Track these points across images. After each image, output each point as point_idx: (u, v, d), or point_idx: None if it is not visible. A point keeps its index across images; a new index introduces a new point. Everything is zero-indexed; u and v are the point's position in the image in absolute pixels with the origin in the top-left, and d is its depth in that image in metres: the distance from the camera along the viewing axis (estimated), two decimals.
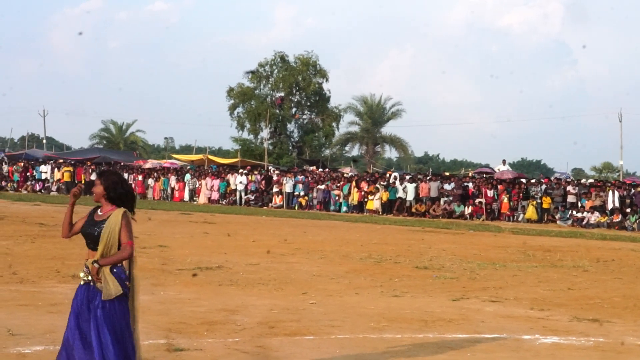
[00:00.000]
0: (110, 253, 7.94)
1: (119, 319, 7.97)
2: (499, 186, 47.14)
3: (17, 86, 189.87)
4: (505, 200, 46.13)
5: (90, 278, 7.95)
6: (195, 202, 55.74)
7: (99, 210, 8.16)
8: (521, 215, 45.34)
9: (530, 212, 44.75)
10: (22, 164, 65.94)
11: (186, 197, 57.22)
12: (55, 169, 62.92)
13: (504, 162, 56.85)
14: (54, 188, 61.90)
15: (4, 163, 66.91)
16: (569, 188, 45.53)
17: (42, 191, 62.18)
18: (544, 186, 46.26)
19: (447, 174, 55.10)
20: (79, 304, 7.97)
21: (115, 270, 7.96)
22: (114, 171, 8.61)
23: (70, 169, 61.39)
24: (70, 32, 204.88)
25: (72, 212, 8.31)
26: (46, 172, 63.50)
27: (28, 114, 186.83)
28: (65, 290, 14.96)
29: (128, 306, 8.11)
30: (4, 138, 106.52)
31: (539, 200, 45.25)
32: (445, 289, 16.94)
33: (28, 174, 64.66)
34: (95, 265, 7.85)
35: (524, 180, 50.37)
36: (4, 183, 64.39)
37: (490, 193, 46.70)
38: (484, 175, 52.73)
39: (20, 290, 14.79)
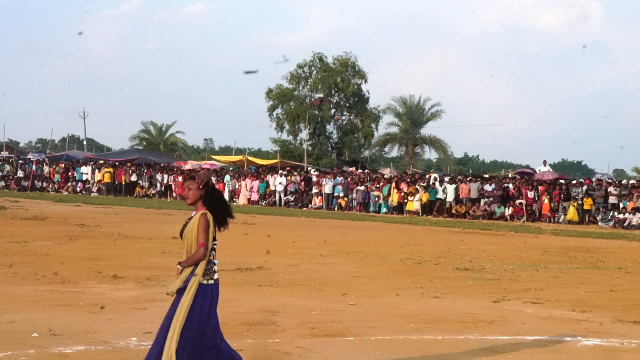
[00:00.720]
0: (191, 252, 8.28)
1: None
2: (540, 187, 46.87)
3: (58, 88, 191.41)
4: (546, 201, 45.86)
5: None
6: (234, 203, 55.86)
7: (193, 212, 8.46)
8: (562, 217, 45.06)
9: (572, 213, 44.47)
10: (63, 165, 66.43)
11: (226, 198, 57.28)
12: (96, 170, 63.31)
13: (544, 163, 56.54)
14: (94, 189, 62.31)
15: (45, 164, 67.42)
16: (611, 189, 45.19)
17: (83, 192, 62.61)
18: (585, 187, 45.90)
19: (486, 175, 54.81)
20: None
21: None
22: (208, 175, 8.76)
23: (111, 170, 61.77)
24: (109, 34, 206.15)
25: None
26: (87, 173, 63.93)
27: (68, 116, 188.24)
28: (106, 290, 15.07)
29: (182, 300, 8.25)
30: (45, 139, 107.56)
31: (580, 202, 44.98)
32: (485, 290, 16.86)
33: (69, 175, 65.13)
34: (178, 267, 8.36)
35: (564, 182, 50.04)
36: (45, 184, 64.88)
37: (530, 194, 46.46)
38: (525, 177, 52.41)
39: (61, 291, 14.89)
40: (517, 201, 46.64)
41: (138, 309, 13.14)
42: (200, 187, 8.39)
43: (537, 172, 54.79)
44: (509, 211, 46.30)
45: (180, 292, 8.27)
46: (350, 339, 11.53)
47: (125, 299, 14.20)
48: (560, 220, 44.95)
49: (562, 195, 46.09)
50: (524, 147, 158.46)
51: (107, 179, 61.41)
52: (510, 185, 48.42)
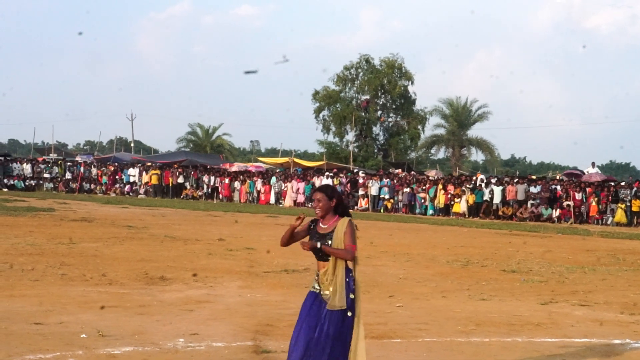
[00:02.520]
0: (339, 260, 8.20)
1: (343, 329, 8.15)
2: (588, 189, 46.52)
3: (106, 90, 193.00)
4: (594, 203, 45.51)
5: (319, 287, 8.33)
6: (281, 205, 55.98)
7: (321, 223, 8.41)
8: (610, 219, 44.73)
9: (620, 215, 44.12)
10: (111, 167, 66.92)
11: (272, 200, 57.51)
12: (143, 172, 63.72)
13: (593, 164, 56.07)
14: (141, 191, 62.75)
15: (93, 166, 67.95)
16: None
17: (130, 194, 63.08)
18: (634, 189, 45.47)
19: (533, 177, 54.45)
20: (308, 309, 8.28)
21: (347, 279, 8.19)
22: (332, 186, 8.97)
23: (158, 172, 62.12)
24: (157, 37, 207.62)
25: (293, 231, 8.49)
26: (134, 175, 64.41)
27: (116, 118, 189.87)
28: (153, 292, 15.14)
29: (352, 320, 8.21)
30: (93, 142, 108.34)
31: (628, 204, 44.60)
32: (533, 292, 16.75)
33: (116, 177, 65.60)
34: (318, 244, 8.19)
35: (613, 183, 49.58)
36: (93, 186, 65.40)
37: (578, 196, 46.12)
38: (573, 179, 52.02)
39: (109, 292, 14.97)
40: (565, 203, 46.33)
41: (185, 311, 13.18)
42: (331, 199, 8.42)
43: (585, 173, 54.33)
44: (556, 213, 46.00)
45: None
46: (397, 341, 11.50)
47: (172, 300, 14.24)
48: (609, 222, 44.62)
49: (610, 197, 45.70)
50: (571, 148, 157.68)
51: (154, 180, 61.79)
52: (558, 187, 48.10)
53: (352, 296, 8.16)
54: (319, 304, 8.20)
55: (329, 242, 8.18)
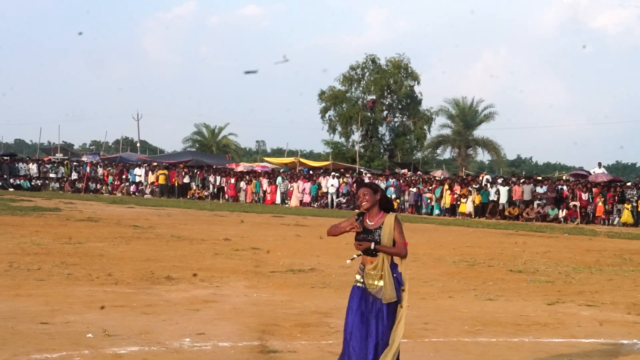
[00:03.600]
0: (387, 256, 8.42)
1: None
2: (594, 189, 46.45)
3: (112, 90, 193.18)
4: (600, 203, 45.43)
5: (362, 280, 8.48)
6: (287, 205, 55.98)
7: (367, 219, 8.59)
8: (616, 219, 44.66)
9: (626, 215, 44.06)
10: (117, 167, 66.98)
11: (278, 200, 57.51)
12: (149, 172, 63.77)
13: (599, 164, 55.93)
14: (147, 191, 62.78)
15: (99, 166, 68.00)
16: None
17: (136, 194, 63.12)
18: None
19: (539, 177, 54.39)
20: (358, 303, 8.46)
21: (395, 275, 8.41)
22: (375, 182, 9.18)
23: (166, 172, 62.16)
24: (163, 37, 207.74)
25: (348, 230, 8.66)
26: (140, 175, 64.46)
27: (122, 118, 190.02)
28: (159, 291, 15.13)
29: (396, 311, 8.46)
30: (99, 142, 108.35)
31: (634, 204, 44.51)
32: (540, 292, 16.73)
33: (122, 177, 65.66)
34: (372, 245, 8.38)
35: (619, 184, 49.47)
36: (99, 186, 65.46)
37: (585, 196, 46.04)
38: (579, 179, 51.93)
39: (115, 292, 14.97)
40: (571, 203, 46.27)
41: (191, 310, 13.17)
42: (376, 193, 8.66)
43: (592, 174, 54.23)
44: (562, 213, 45.94)
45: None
46: (404, 340, 11.43)
47: (178, 300, 14.24)
48: (615, 222, 44.54)
49: (616, 198, 45.62)
50: (577, 149, 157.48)
51: (161, 180, 61.81)
52: (564, 187, 48.03)
53: (402, 289, 8.42)
54: (366, 297, 8.41)
55: (377, 238, 8.38)
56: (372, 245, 8.32)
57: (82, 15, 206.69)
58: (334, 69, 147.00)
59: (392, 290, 8.28)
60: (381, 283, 8.31)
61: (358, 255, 8.56)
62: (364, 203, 8.54)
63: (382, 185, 52.62)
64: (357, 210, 8.92)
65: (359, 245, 8.40)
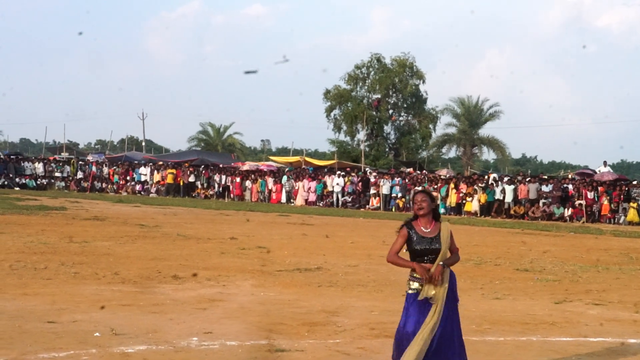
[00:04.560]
0: (445, 256, 8.73)
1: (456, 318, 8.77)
2: (600, 188, 46.37)
3: (117, 89, 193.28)
4: (606, 202, 45.37)
5: (420, 288, 8.62)
6: (292, 204, 55.98)
7: (421, 226, 8.81)
8: (622, 218, 44.58)
9: (632, 214, 43.99)
10: (123, 166, 67.02)
11: (283, 199, 57.50)
12: (155, 171, 63.79)
13: (604, 163, 55.89)
14: (153, 190, 62.81)
15: (104, 165, 68.05)
16: None
17: (142, 193, 63.13)
18: None
19: (545, 176, 54.34)
20: (418, 307, 8.61)
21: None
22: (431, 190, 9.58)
23: (174, 171, 62.17)
24: (167, 36, 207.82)
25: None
26: (145, 175, 64.47)
27: (127, 117, 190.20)
28: (166, 290, 15.14)
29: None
30: (104, 141, 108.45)
31: None
32: (547, 291, 16.71)
33: (128, 176, 65.68)
34: (441, 265, 8.61)
35: (625, 182, 49.39)
36: (104, 185, 65.50)
37: (590, 195, 45.98)
38: (584, 178, 51.87)
39: (122, 290, 14.98)
40: (577, 202, 46.21)
41: (198, 309, 13.17)
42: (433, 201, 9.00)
43: (597, 172, 54.18)
44: (568, 212, 45.88)
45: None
46: None
47: (185, 299, 14.24)
48: (621, 221, 44.46)
49: (622, 196, 45.56)
50: (582, 147, 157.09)
51: (169, 179, 61.81)
52: (570, 186, 47.96)
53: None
54: (424, 302, 8.56)
55: (438, 246, 8.63)
56: (443, 266, 8.61)
57: (86, 15, 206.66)
58: (338, 68, 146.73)
59: (444, 291, 8.55)
60: (433, 292, 8.52)
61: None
62: (421, 210, 8.78)
63: (388, 184, 52.67)
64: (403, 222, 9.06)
65: (435, 278, 8.55)
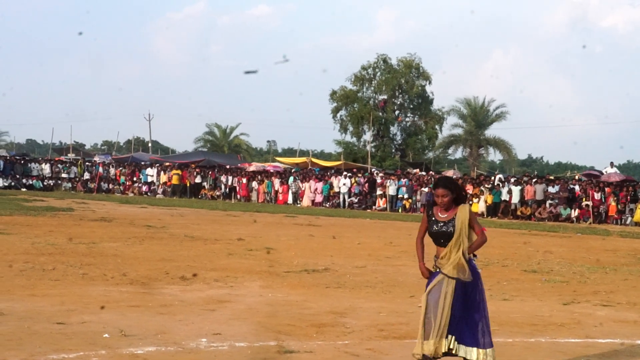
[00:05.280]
0: (463, 242, 8.99)
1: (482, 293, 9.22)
2: (606, 189, 46.32)
3: (123, 90, 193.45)
4: (613, 203, 45.32)
5: (438, 269, 9.12)
6: (299, 205, 55.99)
7: (439, 212, 9.11)
8: (629, 219, 44.53)
9: (639, 215, 43.90)
10: (129, 167, 67.10)
11: (290, 199, 57.51)
12: (161, 172, 63.84)
13: (611, 164, 55.83)
14: (159, 191, 62.88)
15: (111, 166, 68.14)
16: None
17: (148, 194, 63.21)
18: None
19: (551, 177, 54.25)
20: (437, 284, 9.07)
21: (471, 264, 9.09)
22: (451, 178, 9.51)
23: (179, 172, 62.20)
24: (174, 37, 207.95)
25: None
26: (152, 175, 64.56)
27: (134, 118, 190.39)
28: (174, 291, 15.14)
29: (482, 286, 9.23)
30: (111, 142, 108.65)
31: None
32: (555, 292, 16.69)
33: (135, 177, 65.75)
34: (468, 257, 9.05)
35: (631, 183, 49.32)
36: (111, 186, 65.59)
37: (597, 196, 45.93)
38: (591, 178, 51.83)
39: (130, 291, 14.98)
40: (584, 203, 46.15)
41: (207, 310, 13.17)
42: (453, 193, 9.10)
43: (604, 173, 54.13)
44: (575, 213, 45.83)
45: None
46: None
47: (194, 300, 14.24)
48: (628, 222, 44.43)
49: (629, 197, 45.51)
50: (589, 148, 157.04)
51: (175, 180, 61.83)
52: (577, 187, 47.92)
53: (479, 270, 9.25)
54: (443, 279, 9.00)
55: (448, 229, 8.95)
56: (472, 255, 9.12)
57: (90, 15, 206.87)
58: (344, 69, 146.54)
59: (468, 273, 8.97)
60: (452, 269, 8.92)
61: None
62: (442, 205, 9.05)
63: (394, 185, 52.66)
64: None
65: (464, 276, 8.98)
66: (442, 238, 8.99)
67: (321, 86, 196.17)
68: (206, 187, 62.26)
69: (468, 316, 8.95)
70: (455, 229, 8.90)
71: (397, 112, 78.92)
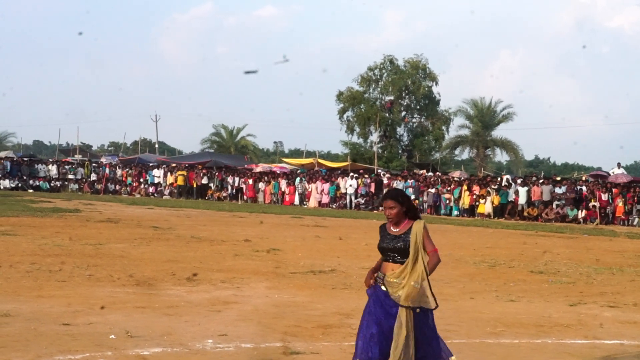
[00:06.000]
0: (417, 260, 8.10)
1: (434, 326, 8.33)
2: (614, 190, 46.24)
3: (130, 91, 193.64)
4: (620, 204, 45.24)
5: (385, 289, 8.24)
6: (305, 206, 55.97)
7: (391, 227, 8.40)
8: (636, 219, 44.44)
9: None
10: (136, 168, 67.14)
11: (296, 200, 57.48)
12: (168, 173, 63.87)
13: (618, 165, 55.73)
14: (166, 192, 62.84)
15: (118, 167, 68.21)
16: None
17: (155, 195, 63.21)
18: None
19: (558, 178, 54.16)
20: (379, 306, 8.25)
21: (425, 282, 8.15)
22: (401, 190, 8.93)
23: (184, 172, 62.22)
24: (180, 38, 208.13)
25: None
26: (159, 177, 64.58)
27: (140, 119, 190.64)
28: (180, 292, 15.16)
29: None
30: (118, 143, 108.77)
31: None
32: (561, 293, 16.68)
33: (141, 178, 65.80)
34: (417, 286, 8.05)
35: (639, 184, 49.20)
36: (118, 187, 65.64)
37: (604, 197, 45.85)
38: (598, 179, 51.75)
39: (136, 293, 15.00)
40: (591, 204, 46.06)
41: (213, 311, 13.18)
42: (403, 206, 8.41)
43: (611, 174, 54.04)
44: (582, 214, 45.75)
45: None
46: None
47: (200, 301, 14.26)
48: (635, 223, 44.32)
49: (636, 198, 45.41)
50: (596, 149, 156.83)
51: (180, 181, 61.89)
52: (584, 188, 47.83)
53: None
54: (388, 302, 8.17)
55: (400, 244, 8.19)
56: (418, 286, 8.03)
57: (91, 15, 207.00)
58: (349, 69, 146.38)
59: (432, 300, 8.18)
60: (404, 291, 8.05)
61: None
62: (390, 218, 8.39)
63: (401, 185, 52.58)
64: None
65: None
66: (393, 253, 8.24)
67: (328, 87, 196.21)
68: (213, 188, 62.26)
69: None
70: (408, 244, 8.14)
71: (403, 113, 78.84)
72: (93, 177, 67.14)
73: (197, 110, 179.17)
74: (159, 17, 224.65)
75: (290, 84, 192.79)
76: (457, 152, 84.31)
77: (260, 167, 68.02)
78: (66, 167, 68.24)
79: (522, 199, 47.98)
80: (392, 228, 8.38)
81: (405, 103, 79.03)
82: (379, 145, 76.52)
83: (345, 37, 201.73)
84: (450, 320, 13.05)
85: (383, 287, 8.25)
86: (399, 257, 8.20)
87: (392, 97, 77.83)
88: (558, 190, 47.56)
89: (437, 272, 18.76)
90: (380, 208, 52.26)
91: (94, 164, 69.80)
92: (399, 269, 8.15)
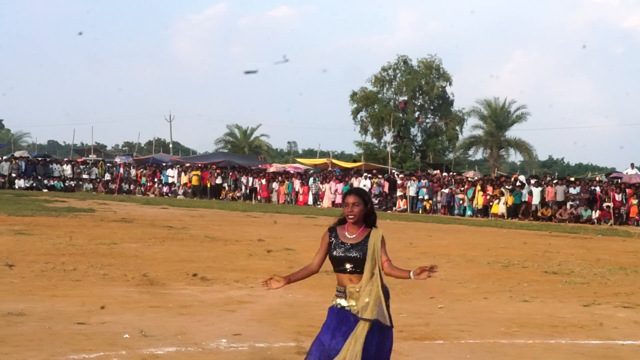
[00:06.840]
0: (375, 272, 7.33)
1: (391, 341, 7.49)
2: (628, 190, 46.11)
3: (144, 92, 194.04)
4: (634, 204, 45.10)
5: (348, 304, 7.44)
6: (319, 206, 55.96)
7: (346, 231, 7.57)
8: None
9: None
10: (150, 168, 67.24)
11: (310, 200, 57.47)
12: (182, 173, 63.94)
13: (632, 165, 55.59)
14: (180, 192, 62.89)
15: (132, 167, 68.32)
16: None
17: (169, 195, 63.27)
18: None
19: (572, 178, 54.02)
20: (335, 324, 7.51)
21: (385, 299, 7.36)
22: (366, 191, 7.95)
23: (199, 173, 62.29)
24: (194, 38, 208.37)
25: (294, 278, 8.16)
26: (173, 177, 64.64)
27: (155, 119, 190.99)
28: (194, 292, 15.18)
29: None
30: (132, 143, 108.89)
31: None
32: (575, 294, 16.63)
33: (155, 178, 65.88)
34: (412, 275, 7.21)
35: None
36: (132, 187, 65.73)
37: (618, 197, 45.71)
38: (613, 180, 51.61)
39: (150, 292, 15.03)
40: (605, 204, 45.94)
41: (227, 311, 13.20)
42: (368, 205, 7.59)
43: (625, 175, 53.88)
44: (596, 214, 45.64)
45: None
46: (439, 342, 11.45)
47: (214, 300, 14.28)
48: None
49: None
50: (609, 150, 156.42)
51: (194, 182, 61.97)
52: (598, 188, 47.70)
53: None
54: (350, 318, 7.40)
55: (360, 254, 7.34)
56: (412, 275, 7.19)
57: (91, 15, 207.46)
58: (365, 69, 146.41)
59: (388, 317, 7.33)
60: (366, 299, 7.25)
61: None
62: (351, 216, 7.50)
63: (415, 186, 52.58)
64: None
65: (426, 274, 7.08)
66: (348, 263, 7.39)
67: (341, 87, 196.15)
68: (227, 188, 62.30)
69: None
70: (365, 253, 7.33)
71: (417, 113, 78.78)
72: (107, 177, 67.25)
73: (211, 111, 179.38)
74: (173, 18, 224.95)
75: (304, 85, 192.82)
76: (470, 152, 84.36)
77: (274, 167, 68.05)
78: (81, 167, 68.40)
79: (535, 200, 47.85)
80: (346, 234, 7.55)
81: (419, 103, 78.98)
82: (392, 146, 76.49)
83: (359, 37, 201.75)
84: (464, 320, 13.06)
85: (342, 303, 7.51)
86: (354, 268, 7.42)
87: (405, 98, 77.81)
88: (572, 191, 47.44)
89: (449, 272, 18.86)
90: (394, 208, 52.30)
91: (108, 164, 69.92)
92: (360, 280, 7.37)
